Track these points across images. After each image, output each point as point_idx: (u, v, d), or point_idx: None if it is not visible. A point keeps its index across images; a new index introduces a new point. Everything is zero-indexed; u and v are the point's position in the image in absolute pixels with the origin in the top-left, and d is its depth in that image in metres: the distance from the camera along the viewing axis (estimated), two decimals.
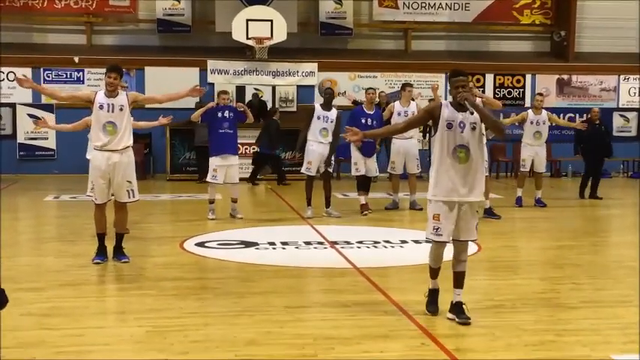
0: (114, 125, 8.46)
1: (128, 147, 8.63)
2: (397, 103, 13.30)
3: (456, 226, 6.31)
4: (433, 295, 6.58)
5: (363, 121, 12.66)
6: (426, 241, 6.84)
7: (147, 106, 19.41)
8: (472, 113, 6.24)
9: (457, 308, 6.32)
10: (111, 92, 8.50)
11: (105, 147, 8.47)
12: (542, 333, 5.99)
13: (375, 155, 13.09)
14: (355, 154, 12.76)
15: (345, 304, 6.86)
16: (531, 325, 6.26)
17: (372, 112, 12.89)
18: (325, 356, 5.34)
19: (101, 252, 8.70)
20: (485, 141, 6.40)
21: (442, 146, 6.26)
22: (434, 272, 6.61)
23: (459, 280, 6.42)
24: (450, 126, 6.24)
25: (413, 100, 13.53)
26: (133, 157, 8.80)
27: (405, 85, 13.54)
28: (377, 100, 13.85)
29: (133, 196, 8.75)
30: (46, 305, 6.77)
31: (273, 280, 7.88)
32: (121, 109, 8.49)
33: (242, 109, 12.56)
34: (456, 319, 6.25)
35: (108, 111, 8.45)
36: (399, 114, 13.01)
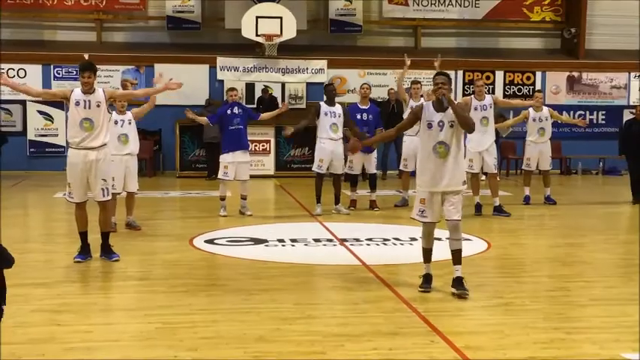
0: (90, 122, 8.42)
1: (104, 145, 8.59)
2: (410, 99, 13.32)
3: (444, 209, 7.08)
4: (426, 278, 7.24)
5: (359, 116, 12.76)
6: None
7: (156, 102, 19.51)
8: (446, 109, 6.99)
9: (457, 282, 7.04)
10: (87, 90, 8.47)
11: (81, 144, 8.43)
12: (552, 331, 5.97)
13: (374, 151, 13.10)
14: None
15: (354, 302, 6.86)
16: (541, 322, 6.24)
17: (366, 107, 13.01)
18: (334, 353, 5.34)
19: (83, 251, 8.65)
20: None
21: (424, 143, 7.09)
22: (426, 254, 7.29)
23: (456, 257, 7.13)
24: (430, 126, 7.03)
25: (422, 96, 13.52)
26: (110, 155, 8.82)
27: (413, 83, 13.57)
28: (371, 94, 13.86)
29: (107, 194, 8.73)
30: (56, 301, 6.79)
31: (282, 277, 7.89)
32: (98, 106, 8.45)
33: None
34: (454, 291, 6.97)
35: (84, 107, 8.41)
36: (411, 108, 13.08)
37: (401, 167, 13.80)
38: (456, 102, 7.27)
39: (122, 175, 10.63)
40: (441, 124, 6.98)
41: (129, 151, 10.71)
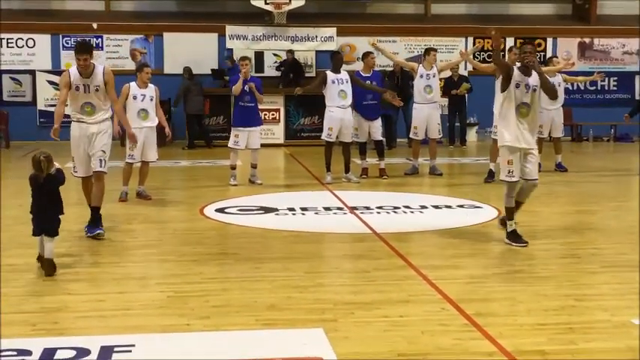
0: (92, 106, 8.15)
1: (106, 119, 8.31)
2: (420, 66, 13.25)
3: (523, 168, 7.77)
4: (514, 233, 7.82)
5: None
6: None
7: (166, 71, 19.47)
8: (532, 74, 7.64)
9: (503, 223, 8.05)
10: (85, 73, 8.05)
11: (82, 119, 8.23)
12: (563, 298, 5.97)
13: (379, 118, 13.07)
14: (357, 119, 12.74)
15: (364, 270, 6.88)
16: (552, 289, 6.24)
17: (369, 75, 12.94)
18: (345, 321, 5.36)
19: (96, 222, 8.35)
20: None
21: (509, 102, 7.70)
22: (509, 212, 7.89)
23: (517, 207, 7.96)
24: (517, 86, 7.65)
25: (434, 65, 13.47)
26: (111, 128, 8.48)
27: (430, 50, 13.52)
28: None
29: (103, 166, 8.31)
30: (68, 271, 6.82)
31: (292, 246, 7.91)
32: (97, 90, 8.10)
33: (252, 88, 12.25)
34: (498, 226, 8.24)
35: (85, 92, 8.09)
36: (421, 76, 13.07)
37: (411, 135, 13.75)
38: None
39: (141, 145, 10.65)
40: (527, 86, 7.65)
41: (148, 124, 10.72)
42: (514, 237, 7.80)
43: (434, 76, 13.13)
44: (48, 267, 6.62)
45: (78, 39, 19.96)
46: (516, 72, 7.72)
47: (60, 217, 6.90)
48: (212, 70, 19.90)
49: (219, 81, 19.93)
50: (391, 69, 18.92)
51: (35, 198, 6.84)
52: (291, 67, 20.08)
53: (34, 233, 6.80)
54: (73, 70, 8.12)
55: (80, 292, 6.14)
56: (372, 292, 6.10)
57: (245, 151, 12.41)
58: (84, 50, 7.99)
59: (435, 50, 13.57)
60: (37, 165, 6.83)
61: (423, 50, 13.73)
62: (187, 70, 19.14)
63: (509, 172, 7.75)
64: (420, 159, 13.69)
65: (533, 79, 7.69)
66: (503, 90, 7.74)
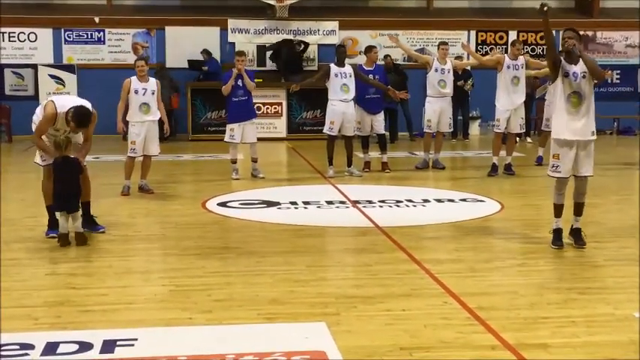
0: (67, 139, 7.79)
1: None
2: (435, 60, 13.23)
3: (574, 163, 7.36)
4: (557, 233, 7.49)
5: None
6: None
7: (168, 65, 19.40)
8: (578, 61, 7.32)
9: (575, 234, 7.52)
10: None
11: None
12: (566, 291, 5.97)
13: (382, 112, 13.05)
14: (359, 113, 12.73)
15: (366, 263, 6.88)
16: (554, 283, 6.25)
17: (372, 69, 12.95)
18: (347, 315, 5.36)
19: (54, 225, 7.82)
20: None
21: (560, 92, 7.39)
22: (557, 210, 7.54)
23: (578, 209, 7.56)
24: (566, 75, 7.32)
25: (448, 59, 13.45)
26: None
27: (441, 44, 13.51)
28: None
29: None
30: (71, 265, 6.83)
31: (294, 240, 7.90)
32: (76, 132, 7.83)
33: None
34: (574, 244, 7.45)
35: (63, 133, 7.78)
36: (435, 70, 13.06)
37: (425, 129, 13.60)
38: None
39: (143, 139, 10.64)
40: (575, 74, 7.33)
41: (150, 118, 10.69)
42: (554, 236, 7.49)
43: (449, 72, 13.13)
44: (79, 240, 7.49)
45: (80, 33, 20.01)
46: (564, 62, 7.39)
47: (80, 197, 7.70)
48: (188, 60, 19.83)
49: (197, 72, 19.85)
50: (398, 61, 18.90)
51: (56, 180, 7.58)
52: (284, 55, 19.94)
53: (54, 209, 7.69)
54: (60, 110, 7.66)
55: (83, 286, 6.14)
56: (374, 286, 6.10)
57: (245, 145, 12.40)
58: (83, 125, 7.66)
59: (445, 44, 13.54)
60: (58, 145, 7.58)
61: (425, 44, 13.65)
62: (159, 65, 19.22)
63: (553, 166, 7.40)
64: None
65: (580, 67, 7.33)
66: (552, 81, 7.51)
